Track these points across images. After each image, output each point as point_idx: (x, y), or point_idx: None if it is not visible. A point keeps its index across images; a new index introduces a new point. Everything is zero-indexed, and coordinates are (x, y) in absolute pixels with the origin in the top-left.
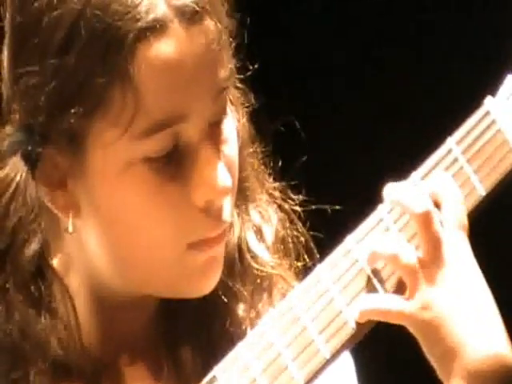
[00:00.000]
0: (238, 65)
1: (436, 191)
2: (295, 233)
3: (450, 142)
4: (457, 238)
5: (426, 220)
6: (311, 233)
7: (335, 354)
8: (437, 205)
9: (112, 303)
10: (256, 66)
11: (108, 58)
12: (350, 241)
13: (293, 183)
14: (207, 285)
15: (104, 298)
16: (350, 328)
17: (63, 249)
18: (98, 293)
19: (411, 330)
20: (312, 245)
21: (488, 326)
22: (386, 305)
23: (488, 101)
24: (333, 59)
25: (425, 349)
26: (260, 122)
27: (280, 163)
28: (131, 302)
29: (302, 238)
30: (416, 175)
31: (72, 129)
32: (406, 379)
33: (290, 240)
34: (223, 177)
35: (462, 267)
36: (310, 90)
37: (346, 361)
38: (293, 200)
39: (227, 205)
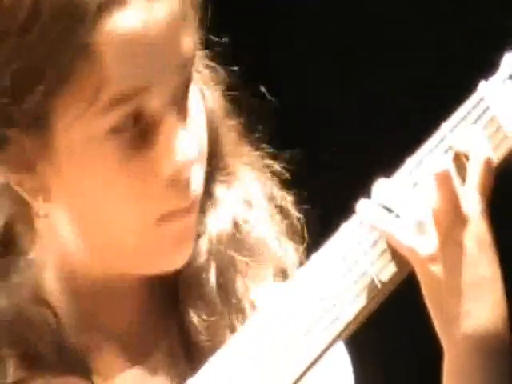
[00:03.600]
0: (208, 41)
1: (465, 147)
2: (284, 201)
3: (444, 128)
4: (475, 201)
5: (443, 179)
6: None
7: (330, 344)
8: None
9: (92, 292)
10: (225, 40)
11: (70, 34)
12: (346, 229)
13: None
14: (180, 258)
15: (83, 288)
16: (345, 319)
17: (36, 239)
18: (76, 283)
19: (420, 277)
20: (297, 213)
21: (495, 296)
22: (403, 236)
23: (481, 86)
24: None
25: (428, 302)
26: (236, 94)
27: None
28: (112, 289)
29: (291, 210)
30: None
31: (37, 108)
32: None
33: (278, 203)
34: (188, 147)
35: (479, 234)
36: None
37: (341, 359)
38: (277, 164)
39: (196, 174)
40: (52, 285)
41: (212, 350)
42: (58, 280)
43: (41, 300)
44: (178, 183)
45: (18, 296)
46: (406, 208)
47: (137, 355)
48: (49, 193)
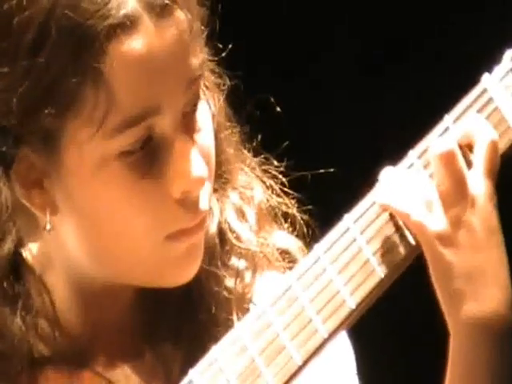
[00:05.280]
0: (212, 48)
1: (470, 133)
2: (285, 204)
3: (448, 120)
4: (482, 182)
5: (448, 159)
6: (309, 207)
7: (332, 334)
8: (470, 147)
9: (92, 292)
10: (230, 47)
11: (79, 57)
12: (348, 219)
13: (274, 155)
14: (186, 274)
15: (84, 289)
16: (348, 308)
17: (40, 246)
18: (77, 284)
19: (427, 257)
20: (296, 212)
21: (500, 279)
22: (410, 208)
23: (485, 78)
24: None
25: (435, 281)
26: (239, 101)
27: (260, 138)
28: (111, 290)
29: (290, 207)
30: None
31: (46, 129)
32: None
33: (277, 209)
34: (198, 167)
35: (485, 213)
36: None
37: (346, 352)
38: (276, 169)
39: (204, 194)
40: (60, 288)
41: (208, 341)
42: (65, 284)
43: (48, 306)
44: (188, 202)
45: (28, 308)
46: (414, 188)
47: (132, 347)
48: (56, 208)
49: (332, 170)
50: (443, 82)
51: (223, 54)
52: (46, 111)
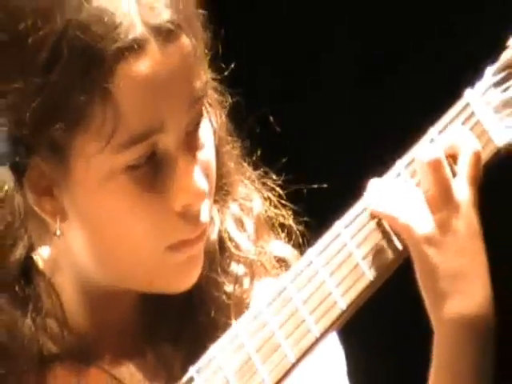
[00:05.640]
0: (214, 67)
1: (455, 144)
2: (281, 215)
3: (433, 132)
4: (465, 189)
5: (435, 166)
6: (304, 219)
7: (324, 333)
8: (454, 158)
9: (97, 295)
10: (232, 66)
11: (89, 77)
12: (339, 225)
13: (272, 169)
14: (186, 282)
15: (90, 291)
16: (339, 309)
17: (50, 250)
18: (84, 287)
19: (414, 259)
20: (293, 223)
21: (482, 280)
22: (400, 213)
23: (467, 93)
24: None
25: (420, 281)
26: (240, 117)
27: (259, 152)
28: (115, 293)
29: (286, 218)
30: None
31: (56, 141)
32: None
33: (275, 220)
34: (199, 182)
35: (468, 218)
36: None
37: (337, 352)
38: (274, 183)
39: (204, 207)
40: (68, 291)
41: (207, 341)
42: (74, 287)
43: (57, 307)
44: (189, 215)
45: (38, 309)
46: (402, 195)
47: (137, 345)
48: (65, 215)
49: (326, 185)
50: (442, 88)
51: (225, 73)
52: (57, 125)
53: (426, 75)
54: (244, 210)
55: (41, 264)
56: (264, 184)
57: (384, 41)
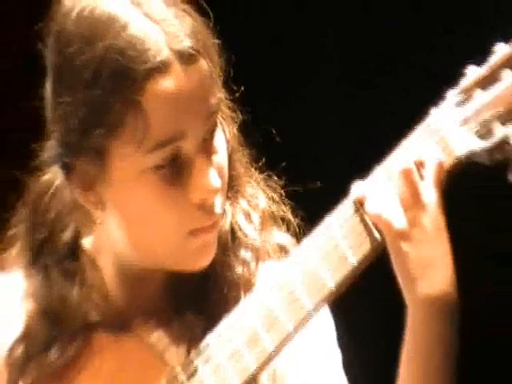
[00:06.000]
0: (228, 88)
1: (423, 154)
2: (282, 210)
3: (405, 144)
4: (432, 193)
5: (407, 175)
6: (300, 213)
7: (316, 307)
8: (422, 166)
9: (132, 273)
10: (242, 89)
11: (124, 92)
12: (329, 219)
13: (274, 172)
14: (203, 261)
15: (126, 269)
16: (329, 288)
17: (94, 236)
18: (121, 266)
19: (389, 245)
20: (291, 216)
21: (447, 266)
22: (376, 210)
23: (433, 111)
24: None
25: (395, 269)
26: (250, 130)
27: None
28: (147, 272)
29: (286, 212)
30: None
31: (97, 145)
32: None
33: (276, 214)
34: (213, 181)
35: (434, 216)
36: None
37: (326, 320)
38: (276, 184)
39: (218, 200)
40: (108, 269)
41: (222, 313)
42: (112, 266)
43: (99, 282)
44: (205, 207)
45: (83, 283)
46: (382, 195)
47: (166, 315)
48: (104, 205)
49: (318, 186)
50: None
51: (237, 94)
52: (98, 132)
53: (415, 84)
54: (251, 205)
55: (87, 246)
56: (267, 185)
57: (375, 45)
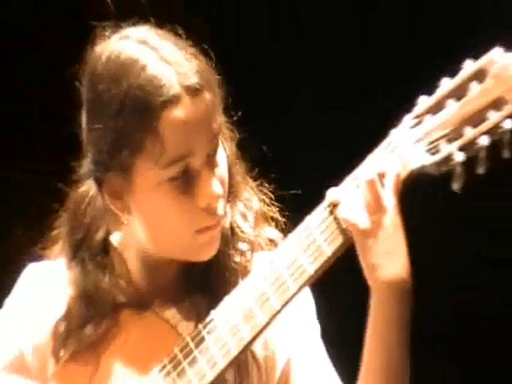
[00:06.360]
0: (228, 113)
1: (384, 167)
2: (271, 211)
3: (370, 158)
4: (391, 200)
5: (371, 184)
6: (286, 214)
7: (299, 289)
8: (383, 176)
9: (151, 263)
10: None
11: (143, 120)
12: (308, 219)
13: (265, 180)
14: (209, 253)
15: (146, 260)
16: (308, 273)
17: (121, 234)
18: (142, 257)
19: (356, 241)
20: (278, 216)
21: (403, 257)
22: (346, 214)
23: (392, 132)
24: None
25: (361, 260)
26: (245, 147)
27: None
28: (164, 262)
29: (274, 213)
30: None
31: (123, 163)
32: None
33: (267, 214)
34: (217, 189)
35: (393, 219)
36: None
37: (307, 299)
38: (266, 190)
39: (220, 204)
40: (132, 261)
41: (224, 294)
42: (135, 258)
43: (125, 271)
44: (210, 210)
45: (112, 272)
46: (352, 200)
47: (178, 296)
48: (130, 210)
49: (301, 191)
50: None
51: (234, 118)
52: (123, 152)
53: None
54: (247, 207)
55: (115, 243)
56: (260, 190)
57: (359, 72)
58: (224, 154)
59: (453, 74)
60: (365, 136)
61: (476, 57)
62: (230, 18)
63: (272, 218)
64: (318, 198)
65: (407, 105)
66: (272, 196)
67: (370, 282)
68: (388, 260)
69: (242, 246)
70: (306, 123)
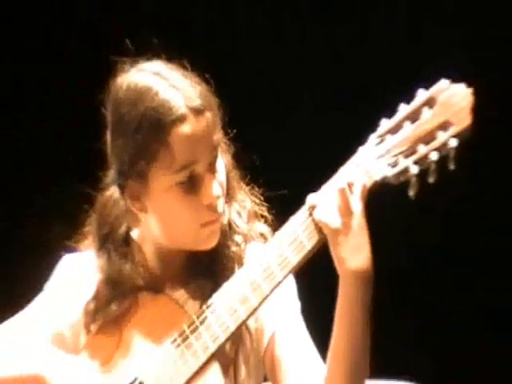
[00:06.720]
0: (226, 130)
1: (352, 177)
2: (261, 210)
3: (341, 171)
4: (358, 205)
5: (342, 192)
6: (273, 212)
7: (284, 277)
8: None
9: (164, 252)
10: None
11: (157, 136)
12: (292, 219)
13: (256, 185)
14: (211, 243)
15: (160, 250)
16: (292, 263)
17: (139, 229)
18: (157, 248)
19: (328, 238)
20: (267, 214)
21: (367, 252)
22: (321, 216)
23: (360, 149)
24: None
25: (333, 254)
26: (239, 157)
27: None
28: (173, 251)
29: (264, 211)
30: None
31: (140, 171)
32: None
33: (258, 213)
34: (217, 190)
35: (359, 221)
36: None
37: (291, 283)
38: (257, 192)
39: (220, 203)
40: (148, 251)
41: (223, 277)
42: (151, 249)
43: (142, 260)
44: (212, 207)
45: (133, 261)
46: (327, 205)
47: (186, 280)
48: (146, 209)
49: (286, 193)
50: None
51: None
52: (141, 163)
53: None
54: (241, 206)
55: (134, 237)
56: (252, 193)
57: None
58: (223, 162)
59: (408, 100)
60: (365, 136)
61: (427, 87)
62: (231, 19)
63: (262, 216)
64: (299, 202)
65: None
66: (261, 197)
67: (340, 272)
68: (354, 254)
69: (238, 238)
70: (305, 123)
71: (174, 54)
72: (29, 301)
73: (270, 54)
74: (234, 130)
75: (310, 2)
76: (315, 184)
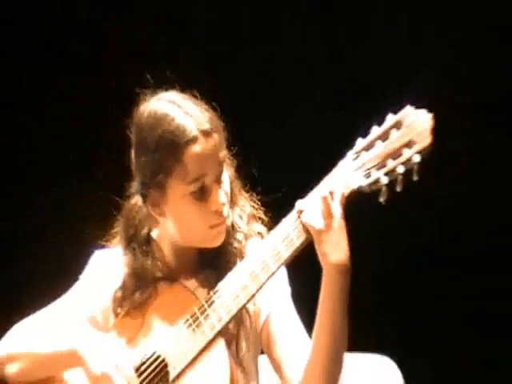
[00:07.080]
0: (229, 148)
1: (333, 186)
2: (258, 213)
3: (324, 181)
4: (338, 209)
5: (325, 199)
6: (270, 215)
7: (277, 269)
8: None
9: (179, 249)
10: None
11: (173, 154)
12: (284, 220)
13: (254, 192)
14: (218, 242)
15: (175, 248)
16: (284, 257)
17: (159, 230)
18: (173, 246)
19: (313, 237)
20: (264, 217)
21: (345, 248)
22: (307, 218)
23: (340, 162)
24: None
25: (317, 250)
26: (240, 170)
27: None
28: (187, 248)
29: (261, 214)
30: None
31: (159, 183)
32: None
33: (256, 216)
34: (223, 198)
35: (339, 223)
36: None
37: (283, 272)
38: (255, 198)
39: (225, 209)
40: (166, 249)
41: (227, 269)
42: (168, 246)
43: (161, 256)
44: (218, 212)
45: (153, 257)
46: (313, 209)
47: (196, 271)
48: (164, 214)
49: (279, 195)
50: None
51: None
52: (160, 175)
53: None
54: (242, 210)
55: (155, 237)
56: (251, 199)
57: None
58: (227, 175)
59: (379, 123)
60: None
61: (395, 112)
62: (231, 19)
63: (259, 218)
64: (289, 206)
65: (407, 105)
66: (259, 202)
67: (323, 265)
68: (335, 250)
69: (239, 236)
70: (305, 123)
71: (184, 85)
72: (29, 300)
73: (270, 53)
74: (236, 147)
75: (310, 2)
76: (315, 184)
